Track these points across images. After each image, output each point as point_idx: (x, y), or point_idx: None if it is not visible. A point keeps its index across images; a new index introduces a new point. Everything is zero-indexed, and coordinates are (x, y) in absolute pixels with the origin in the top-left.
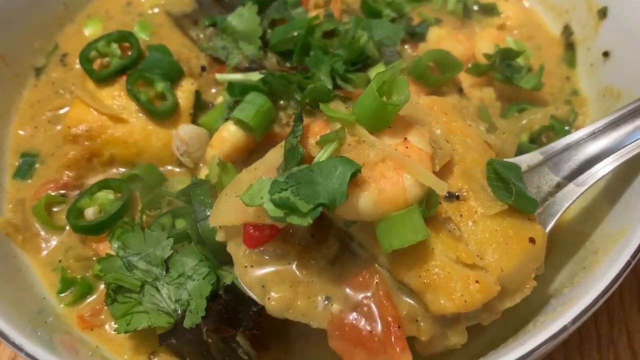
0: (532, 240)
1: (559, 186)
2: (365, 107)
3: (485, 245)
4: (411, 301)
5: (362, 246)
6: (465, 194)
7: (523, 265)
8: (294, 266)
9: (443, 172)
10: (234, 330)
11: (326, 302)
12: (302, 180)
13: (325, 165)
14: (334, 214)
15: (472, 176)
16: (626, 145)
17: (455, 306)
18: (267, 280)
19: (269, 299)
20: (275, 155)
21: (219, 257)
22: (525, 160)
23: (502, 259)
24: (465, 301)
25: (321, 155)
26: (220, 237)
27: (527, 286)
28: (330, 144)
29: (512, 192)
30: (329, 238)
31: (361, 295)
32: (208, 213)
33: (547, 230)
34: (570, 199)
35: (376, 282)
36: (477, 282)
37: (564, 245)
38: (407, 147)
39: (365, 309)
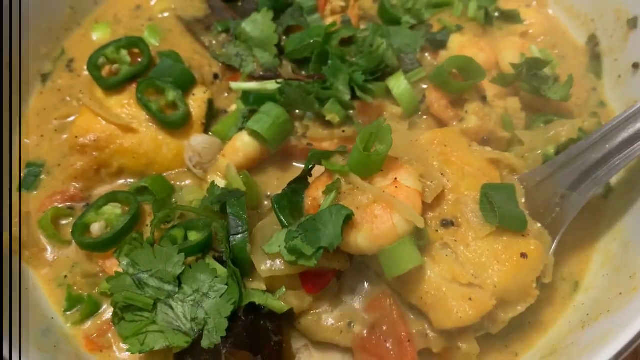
0: (523, 255)
1: (563, 197)
2: (354, 159)
3: (479, 265)
4: (420, 319)
5: (377, 274)
6: (460, 220)
7: (518, 279)
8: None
9: (438, 201)
10: (255, 358)
11: (350, 325)
12: (309, 228)
13: (324, 214)
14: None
15: (465, 203)
16: (624, 152)
17: (452, 322)
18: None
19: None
20: None
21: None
22: (534, 176)
23: (494, 275)
24: (461, 317)
25: (324, 205)
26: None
27: (530, 296)
28: (330, 194)
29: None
30: (349, 270)
31: (378, 316)
32: (241, 228)
33: (556, 240)
34: (576, 209)
35: (390, 304)
36: (470, 299)
37: (593, 264)
38: (396, 187)
39: (384, 327)
